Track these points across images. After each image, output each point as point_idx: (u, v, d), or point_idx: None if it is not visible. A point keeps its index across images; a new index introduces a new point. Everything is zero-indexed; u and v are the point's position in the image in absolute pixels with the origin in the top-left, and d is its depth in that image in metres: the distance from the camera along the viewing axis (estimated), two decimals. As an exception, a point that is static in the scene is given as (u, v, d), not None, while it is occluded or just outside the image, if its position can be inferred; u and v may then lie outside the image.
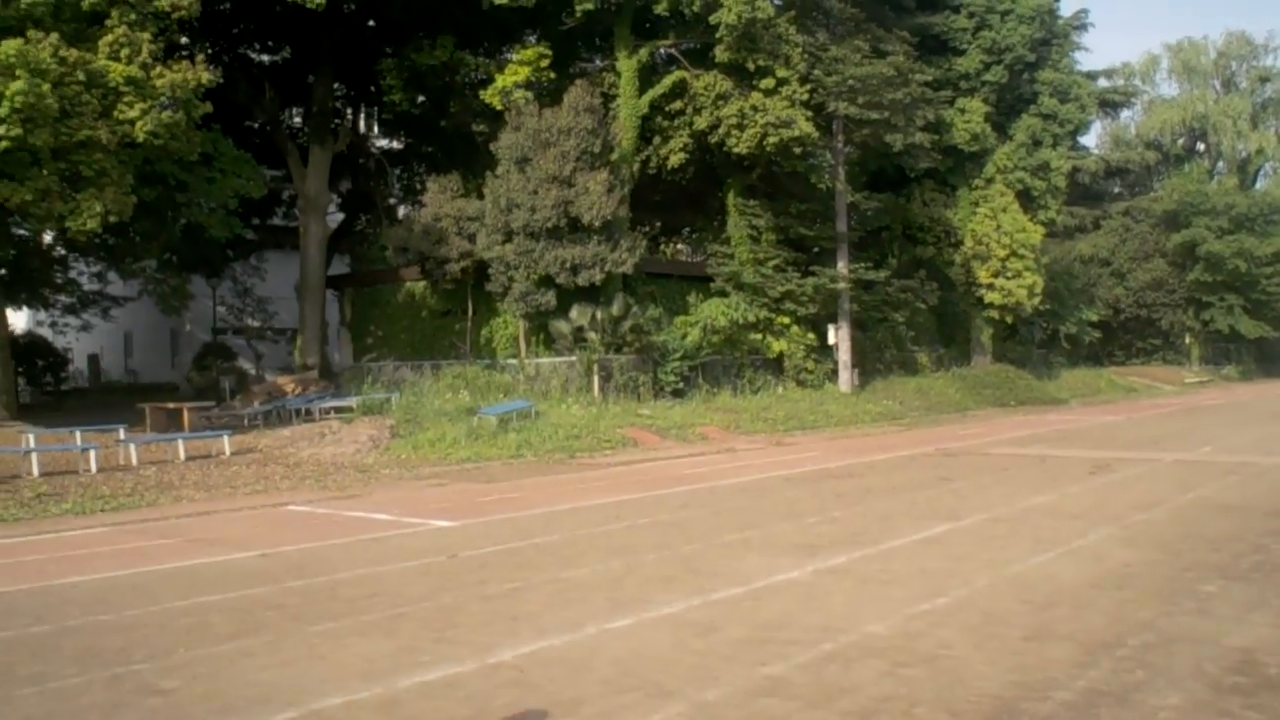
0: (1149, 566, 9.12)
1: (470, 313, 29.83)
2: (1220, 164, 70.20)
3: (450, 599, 8.40)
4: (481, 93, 30.02)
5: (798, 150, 30.74)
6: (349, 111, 37.73)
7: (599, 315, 27.20)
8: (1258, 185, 69.43)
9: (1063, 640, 6.79)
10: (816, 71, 30.95)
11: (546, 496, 15.25)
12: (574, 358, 27.53)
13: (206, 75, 22.10)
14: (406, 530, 12.41)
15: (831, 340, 34.01)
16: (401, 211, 39.61)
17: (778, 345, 32.47)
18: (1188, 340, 60.48)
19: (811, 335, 33.44)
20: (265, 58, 35.82)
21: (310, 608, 8.20)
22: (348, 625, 7.59)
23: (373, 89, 34.35)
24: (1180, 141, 69.98)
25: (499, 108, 29.03)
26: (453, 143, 35.03)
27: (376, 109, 37.41)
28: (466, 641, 7.07)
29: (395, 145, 40.15)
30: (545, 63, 29.59)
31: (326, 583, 9.18)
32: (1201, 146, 71.02)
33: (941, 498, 14.00)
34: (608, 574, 9.28)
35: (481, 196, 28.67)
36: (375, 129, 39.73)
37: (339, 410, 25.75)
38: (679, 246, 46.32)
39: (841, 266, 33.74)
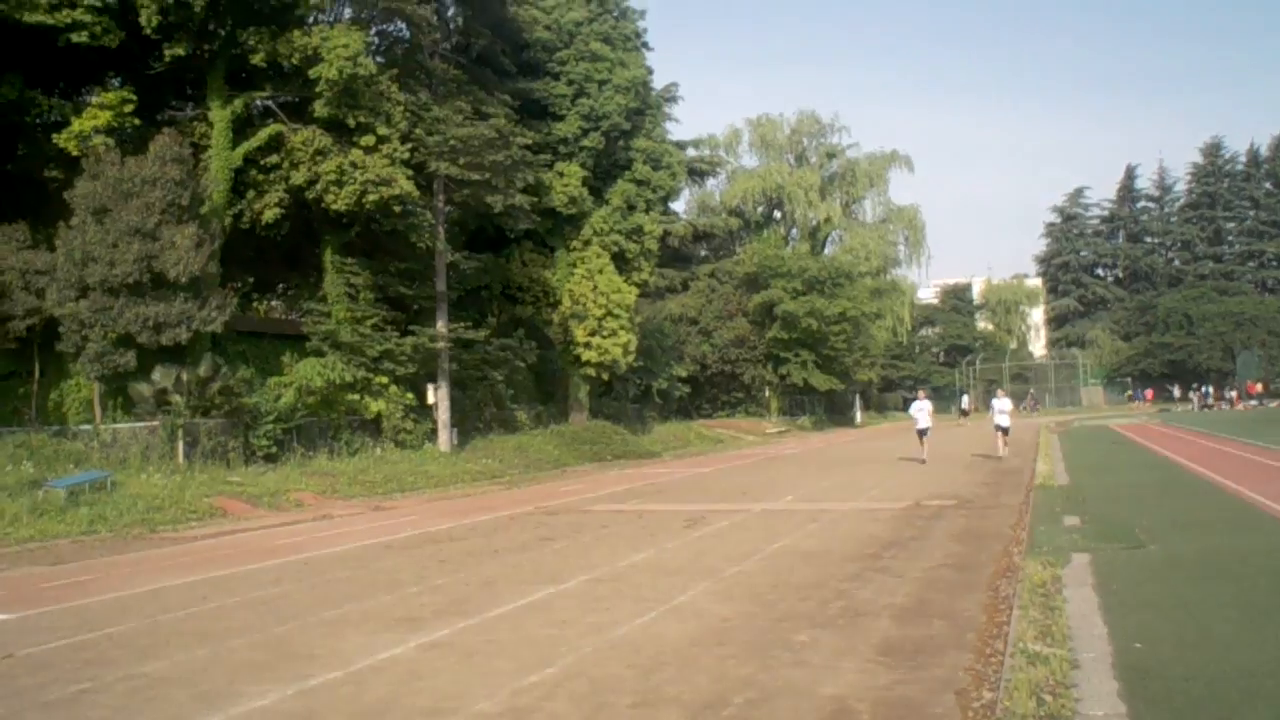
0: (746, 619, 9.51)
1: (38, 375, 27.02)
2: (794, 231, 76.56)
3: (3, 709, 7.37)
4: (55, 136, 27.29)
5: (398, 208, 30.38)
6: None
7: (185, 377, 25.47)
8: (826, 251, 76.32)
9: (670, 704, 6.89)
10: (418, 130, 30.85)
11: (123, 578, 13.91)
12: (157, 422, 25.57)
13: None
14: (-50, 627, 10.89)
15: (431, 400, 33.71)
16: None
17: (376, 406, 31.73)
18: (767, 393, 65.10)
19: (410, 395, 32.97)
20: None
21: None
22: None
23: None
24: (760, 209, 75.76)
25: (75, 153, 26.58)
26: (20, 189, 31.75)
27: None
28: (21, 761, 6.20)
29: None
30: (129, 108, 27.30)
31: None
32: (778, 214, 77.17)
33: (544, 559, 14.05)
34: (192, 665, 8.51)
35: (53, 248, 26.11)
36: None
37: None
38: (273, 304, 44.46)
39: (441, 325, 33.63)
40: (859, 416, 75.25)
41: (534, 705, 7.00)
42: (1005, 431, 30.34)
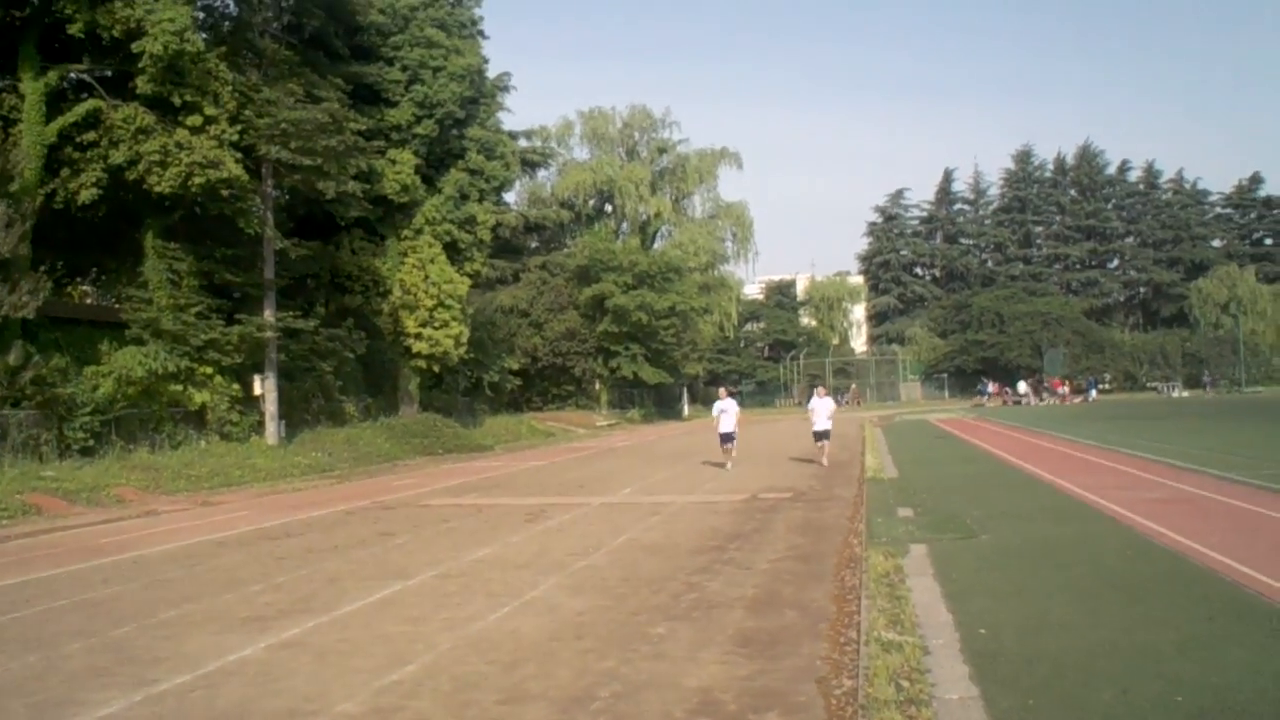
0: (600, 613, 9.52)
1: None
2: (625, 225, 77.08)
3: None
4: None
5: (225, 192, 29.26)
6: None
7: (-8, 365, 24.12)
8: (656, 245, 77.00)
9: (537, 700, 6.85)
10: (248, 112, 29.84)
11: (-69, 582, 13.06)
12: (-40, 413, 24.14)
13: None
14: None
15: (258, 391, 32.67)
16: None
17: (200, 397, 30.56)
18: (598, 386, 65.40)
19: (236, 386, 31.88)
20: None
21: None
22: None
23: None
24: (591, 202, 76.01)
25: None
26: None
27: None
28: None
29: None
30: (-71, 78, 25.81)
31: None
32: (609, 208, 77.59)
33: (387, 554, 13.81)
34: (24, 673, 8.04)
35: None
36: None
37: None
38: (85, 289, 42.38)
39: (268, 314, 32.62)
40: (686, 409, 76.31)
41: (398, 704, 6.87)
42: (825, 437, 25.78)
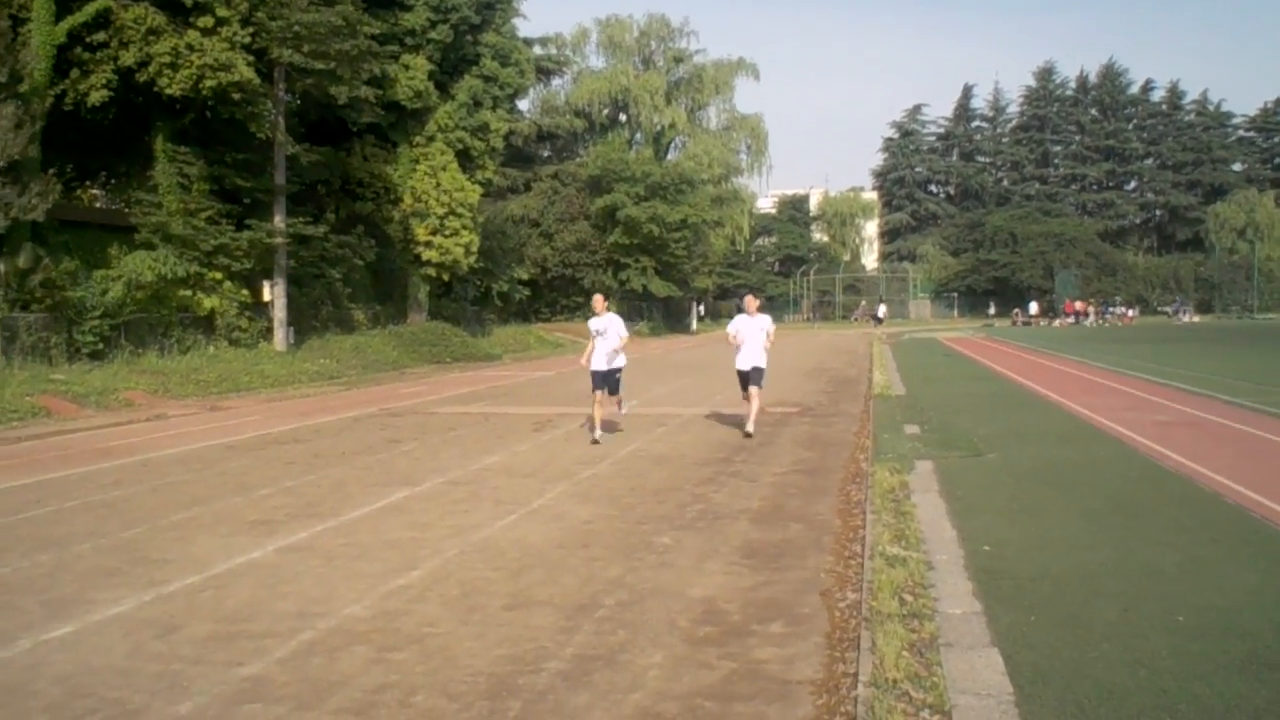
0: (606, 522, 9.58)
1: None
2: (639, 135, 76.23)
3: None
4: None
5: (237, 96, 28.93)
6: None
7: (2, 267, 24.06)
8: (669, 156, 76.24)
9: (543, 606, 6.90)
10: (260, 14, 29.30)
11: (-56, 478, 13.19)
12: (-30, 315, 24.17)
13: None
14: None
15: (267, 297, 32.70)
16: None
17: (209, 302, 30.58)
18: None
19: (245, 292, 31.89)
20: None
21: None
22: None
23: None
24: (605, 112, 75.13)
25: (-127, 18, 24.51)
26: None
27: None
28: None
29: None
30: (-64, -29, 25.36)
31: None
32: (623, 118, 76.73)
33: (394, 461, 13.88)
34: (36, 571, 8.13)
35: None
36: None
37: None
38: (94, 192, 42.20)
39: (279, 220, 32.51)
40: (695, 324, 76.23)
41: (405, 608, 6.92)
42: (755, 381, 15.80)
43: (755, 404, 15.88)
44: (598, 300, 16.19)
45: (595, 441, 15.09)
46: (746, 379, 15.87)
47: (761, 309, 16.48)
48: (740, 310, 16.51)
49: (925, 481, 10.92)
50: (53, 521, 10.20)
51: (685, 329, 73.49)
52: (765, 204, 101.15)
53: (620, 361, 16.00)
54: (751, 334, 15.79)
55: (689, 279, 69.40)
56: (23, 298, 24.71)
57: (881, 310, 73.40)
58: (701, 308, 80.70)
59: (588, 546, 8.62)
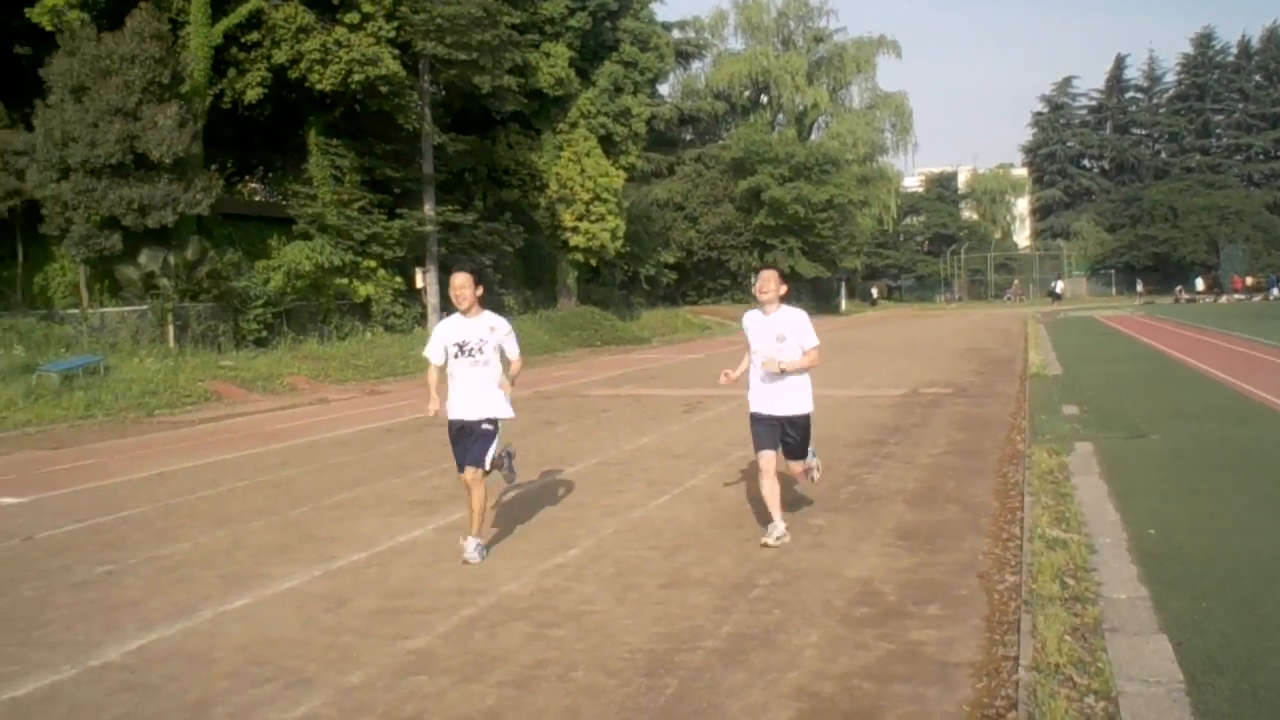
0: (759, 503, 9.37)
1: (21, 258, 26.67)
2: (780, 116, 75.59)
3: (32, 592, 7.35)
4: (27, 11, 26.41)
5: (384, 89, 29.83)
6: None
7: (172, 260, 25.24)
8: (813, 137, 75.42)
9: (698, 585, 6.93)
10: (403, 8, 30.12)
11: (128, 461, 13.89)
12: (145, 306, 25.38)
13: None
14: (-40, 509, 10.86)
15: (420, 284, 33.56)
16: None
17: (364, 289, 31.59)
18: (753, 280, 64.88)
19: (399, 279, 32.82)
20: None
21: None
22: (-98, 630, 6.47)
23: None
24: (746, 94, 74.71)
25: (49, 28, 25.84)
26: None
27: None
28: (61, 642, 6.17)
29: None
30: (104, -19, 26.62)
31: None
32: (765, 99, 76.14)
33: (548, 442, 14.08)
34: (213, 547, 8.52)
35: (30, 128, 25.54)
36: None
37: None
38: (254, 186, 43.90)
39: (428, 209, 33.32)
40: (843, 304, 75.35)
41: (562, 586, 7.04)
42: (789, 443, 8.29)
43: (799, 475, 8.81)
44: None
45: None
46: (773, 435, 8.20)
47: (787, 298, 8.49)
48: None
49: (1085, 463, 10.58)
50: (227, 500, 10.68)
51: (834, 310, 72.63)
52: (912, 183, 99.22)
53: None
54: (768, 345, 8.13)
55: (836, 259, 68.56)
56: (191, 288, 25.87)
57: (1059, 286, 71.21)
58: (849, 288, 79.59)
59: (740, 527, 8.62)
